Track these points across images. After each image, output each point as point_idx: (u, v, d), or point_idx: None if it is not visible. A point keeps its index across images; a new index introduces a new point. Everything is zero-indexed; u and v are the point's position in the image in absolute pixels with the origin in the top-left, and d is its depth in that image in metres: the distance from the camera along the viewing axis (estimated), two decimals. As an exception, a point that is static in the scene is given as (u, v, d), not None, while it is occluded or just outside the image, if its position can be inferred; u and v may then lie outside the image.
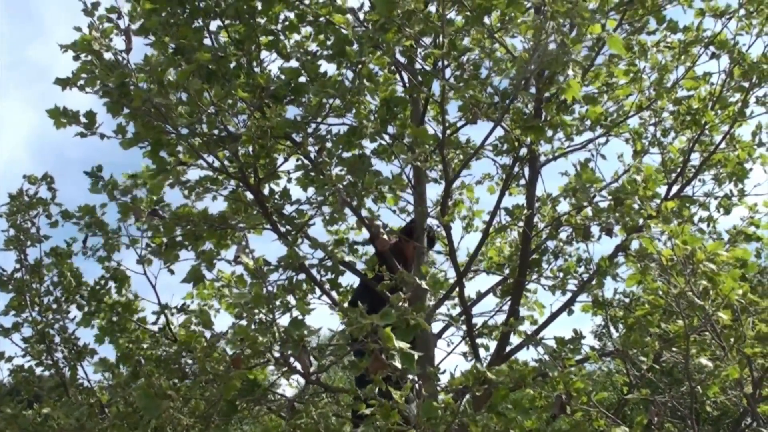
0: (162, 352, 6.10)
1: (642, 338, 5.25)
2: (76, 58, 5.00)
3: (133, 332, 6.30)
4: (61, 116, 5.10)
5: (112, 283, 6.35)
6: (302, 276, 5.70)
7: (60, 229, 6.16)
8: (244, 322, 4.13)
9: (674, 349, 5.19)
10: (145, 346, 6.26)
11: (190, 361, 5.26)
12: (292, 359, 4.01)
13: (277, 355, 4.09)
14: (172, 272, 6.01)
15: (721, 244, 4.46)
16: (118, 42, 5.08)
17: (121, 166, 6.27)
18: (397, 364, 3.44)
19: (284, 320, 4.70)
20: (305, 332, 3.73)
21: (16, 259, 6.20)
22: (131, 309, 6.36)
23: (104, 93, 4.96)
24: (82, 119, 5.12)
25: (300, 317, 3.86)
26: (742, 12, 5.98)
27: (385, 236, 5.97)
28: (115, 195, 5.67)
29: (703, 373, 5.00)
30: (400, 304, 3.62)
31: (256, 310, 4.01)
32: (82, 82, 4.99)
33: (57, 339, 6.21)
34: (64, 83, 5.03)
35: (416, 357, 3.53)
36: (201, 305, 6.69)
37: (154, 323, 6.35)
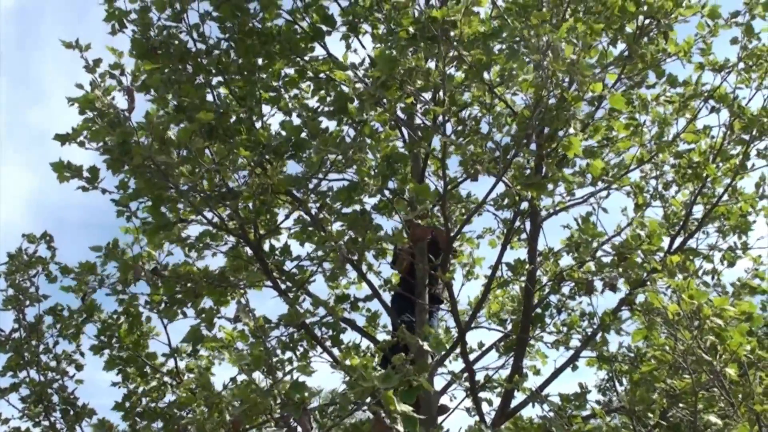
0: (169, 398, 6.05)
1: (648, 394, 5.17)
2: (82, 112, 5.02)
3: (142, 369, 6.23)
4: (65, 170, 5.10)
5: (123, 318, 6.28)
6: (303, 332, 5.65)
7: (58, 287, 6.09)
8: (243, 377, 4.05)
9: (681, 405, 5.10)
10: (153, 383, 6.20)
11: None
12: (292, 421, 3.93)
13: (277, 416, 4.01)
14: (184, 314, 5.96)
15: (727, 300, 4.43)
16: (120, 98, 5.11)
17: (120, 225, 6.24)
18: (400, 428, 3.38)
19: (285, 379, 4.64)
20: (306, 394, 3.67)
21: (15, 319, 6.14)
22: (142, 346, 6.29)
23: (105, 150, 4.97)
24: (85, 174, 5.12)
25: (301, 379, 3.80)
26: (741, 66, 6.00)
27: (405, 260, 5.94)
28: (117, 254, 5.64)
29: (711, 430, 4.91)
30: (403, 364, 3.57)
31: (257, 372, 3.94)
32: (82, 138, 5.00)
33: (55, 398, 6.11)
34: (63, 139, 5.04)
35: (419, 420, 3.47)
36: (205, 357, 6.60)
37: (163, 365, 6.28)
